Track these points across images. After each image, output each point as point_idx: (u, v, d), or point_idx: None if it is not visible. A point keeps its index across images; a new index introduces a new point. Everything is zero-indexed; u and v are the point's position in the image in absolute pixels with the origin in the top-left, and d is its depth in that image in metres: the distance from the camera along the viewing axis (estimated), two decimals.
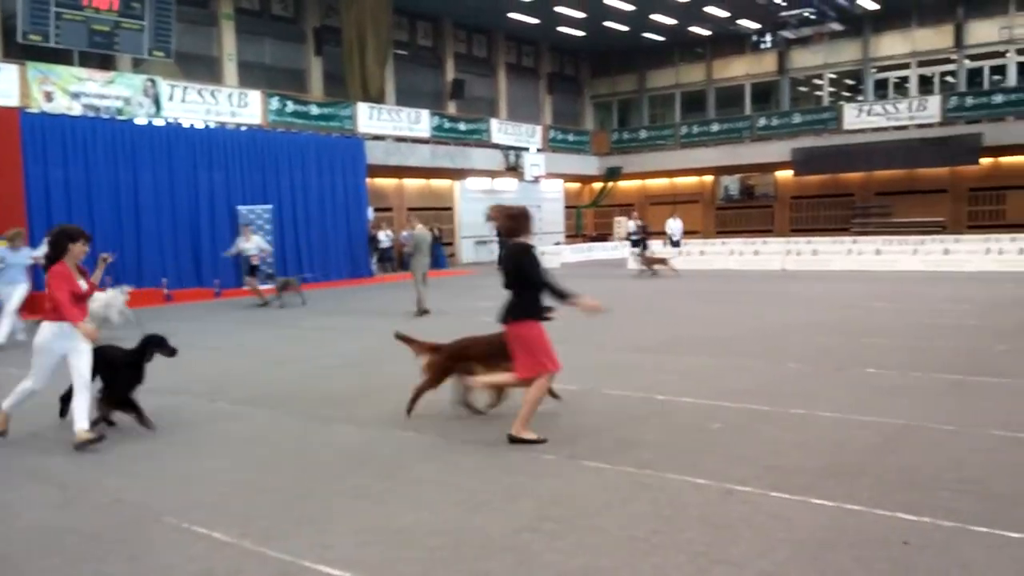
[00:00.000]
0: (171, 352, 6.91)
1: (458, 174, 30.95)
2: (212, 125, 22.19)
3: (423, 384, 6.79)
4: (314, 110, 25.53)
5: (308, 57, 28.54)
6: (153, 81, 21.14)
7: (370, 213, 26.54)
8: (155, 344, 6.83)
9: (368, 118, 26.82)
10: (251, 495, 5.04)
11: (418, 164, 28.42)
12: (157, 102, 21.08)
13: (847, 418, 6.35)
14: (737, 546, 4.01)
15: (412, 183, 30.60)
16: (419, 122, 28.71)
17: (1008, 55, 31.16)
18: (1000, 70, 31.61)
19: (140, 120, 20.51)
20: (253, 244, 17.99)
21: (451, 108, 32.69)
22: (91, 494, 5.16)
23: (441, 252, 30.09)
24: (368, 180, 25.91)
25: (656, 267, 22.12)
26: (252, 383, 8.78)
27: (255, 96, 23.74)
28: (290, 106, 24.76)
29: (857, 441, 5.72)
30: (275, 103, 24.25)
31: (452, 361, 6.77)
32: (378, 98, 27.83)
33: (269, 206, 22.29)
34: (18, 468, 5.78)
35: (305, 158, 23.63)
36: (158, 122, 20.86)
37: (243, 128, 22.97)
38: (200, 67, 24.92)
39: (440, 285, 18.59)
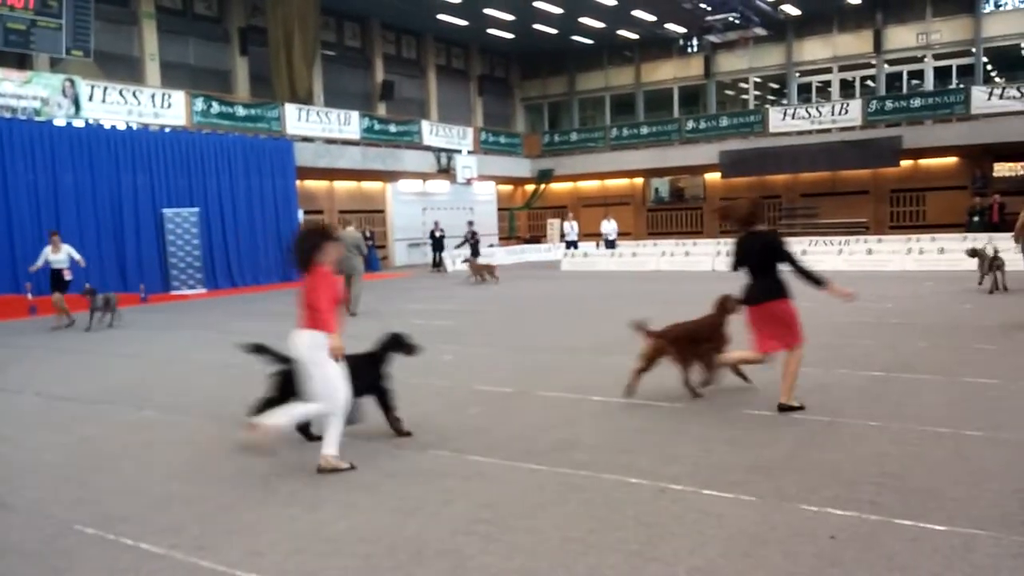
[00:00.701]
0: (412, 350, 6.48)
1: (390, 176, 30.70)
2: (135, 126, 21.54)
3: (640, 366, 7.21)
4: (240, 111, 25.01)
5: (233, 57, 27.93)
6: (72, 81, 20.39)
7: (300, 216, 26.13)
8: (396, 344, 6.39)
9: (296, 119, 26.39)
10: (179, 505, 4.89)
11: (349, 166, 28.10)
12: (76, 102, 20.35)
13: (775, 415, 6.50)
14: (670, 544, 4.06)
15: (343, 185, 30.24)
16: (349, 124, 28.39)
17: (925, 60, 32.44)
18: (918, 74, 32.87)
19: (59, 121, 19.79)
20: (63, 255, 15.22)
21: (381, 110, 32.42)
22: (13, 509, 4.94)
23: (374, 255, 29.84)
24: (298, 182, 25.52)
25: (484, 275, 21.47)
26: (179, 390, 8.54)
27: (179, 97, 23.13)
28: (215, 107, 24.19)
29: (784, 438, 5.86)
30: (200, 104, 23.66)
31: (672, 345, 7.13)
32: (306, 99, 27.40)
33: (196, 209, 21.76)
34: None
35: (232, 160, 23.15)
36: (78, 123, 20.16)
37: (167, 129, 22.36)
38: (121, 67, 24.14)
39: (373, 288, 18.39)
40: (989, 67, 31.93)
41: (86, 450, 6.29)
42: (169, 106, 22.73)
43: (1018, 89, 28.23)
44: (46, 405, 8.03)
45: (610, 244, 30.02)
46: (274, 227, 24.14)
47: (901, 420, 6.19)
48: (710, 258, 24.24)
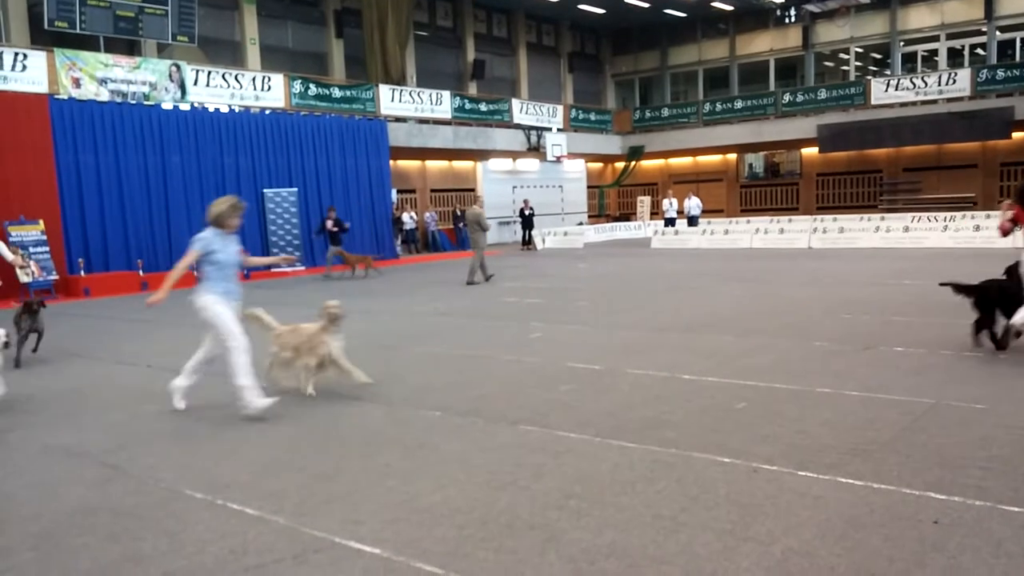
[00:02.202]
0: None
1: (480, 155, 30.91)
2: (237, 109, 22.33)
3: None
4: (336, 93, 25.60)
5: (329, 40, 28.56)
6: (178, 66, 21.29)
7: (394, 195, 26.65)
8: None
9: (390, 100, 26.84)
10: (281, 474, 5.11)
11: (440, 145, 28.44)
12: (183, 87, 21.24)
13: (874, 397, 6.30)
14: (764, 524, 4.01)
15: (435, 165, 30.63)
16: (440, 103, 28.69)
17: None
18: None
19: (167, 105, 20.70)
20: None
21: (472, 89, 32.61)
22: (126, 472, 5.27)
23: (466, 233, 30.18)
24: (391, 162, 25.99)
25: (359, 267, 19.54)
26: None
27: (278, 80, 23.84)
28: (312, 89, 24.83)
29: (884, 420, 5.68)
30: (297, 86, 24.33)
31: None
32: (399, 80, 27.82)
33: (294, 189, 22.46)
34: (54, 447, 5.91)
35: (328, 141, 23.76)
36: (184, 107, 21.03)
37: (267, 112, 23.09)
38: (223, 51, 25.04)
39: (464, 266, 18.59)
40: None
41: (192, 419, 6.62)
42: (269, 89, 23.47)
43: None
44: (156, 376, 8.47)
45: (692, 221, 29.66)
46: (368, 206, 24.70)
47: (1009, 402, 5.92)
48: (806, 235, 23.53)
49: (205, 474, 5.16)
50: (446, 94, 29.10)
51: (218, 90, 22.19)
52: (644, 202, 36.29)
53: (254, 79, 23.38)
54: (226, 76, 22.54)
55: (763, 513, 4.14)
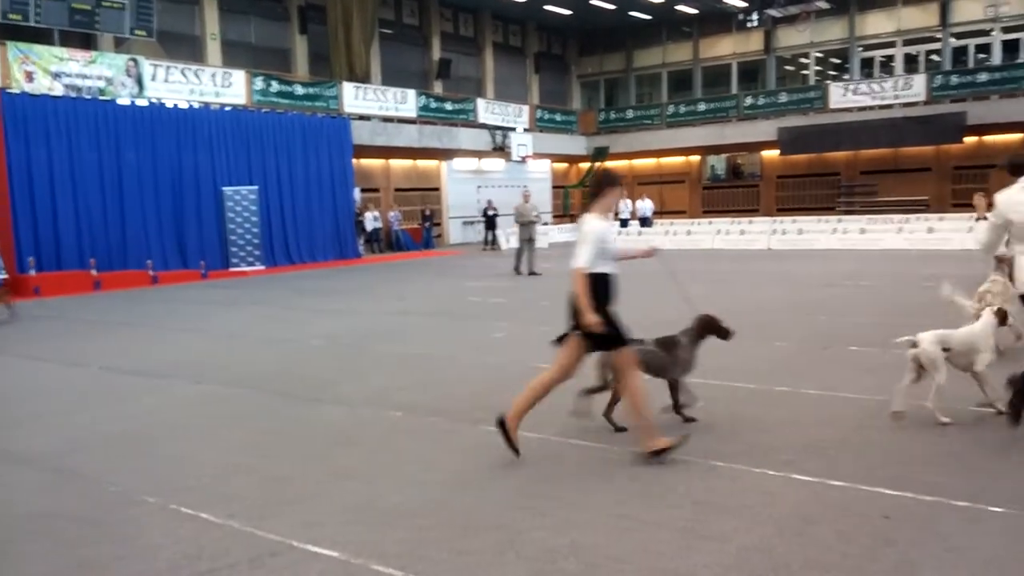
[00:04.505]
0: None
1: (445, 154, 30.83)
2: (196, 105, 22.00)
3: None
4: (299, 90, 25.34)
5: (293, 36, 28.26)
6: (135, 61, 20.90)
7: (357, 194, 26.46)
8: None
9: (354, 98, 26.63)
10: (238, 477, 5.05)
11: (405, 144, 28.29)
12: (140, 82, 20.86)
13: (831, 395, 6.41)
14: (721, 522, 4.05)
15: (399, 163, 30.47)
16: (405, 102, 28.55)
17: (993, 33, 31.21)
18: (985, 48, 31.67)
19: (123, 100, 20.32)
20: None
21: (438, 88, 32.50)
22: (78, 478, 5.16)
23: (429, 233, 30.10)
24: (354, 160, 25.80)
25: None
26: (237, 364, 8.77)
27: (239, 76, 23.53)
28: (275, 86, 24.55)
29: (840, 418, 5.77)
30: (259, 83, 24.04)
31: None
32: (364, 78, 27.63)
33: (254, 187, 22.18)
34: (3, 455, 5.76)
35: (290, 138, 23.52)
36: (141, 102, 20.67)
37: (227, 108, 22.79)
38: (183, 46, 24.64)
39: (429, 265, 18.56)
40: None
41: (148, 422, 6.51)
42: (230, 85, 23.15)
43: None
44: (110, 378, 8.32)
45: (645, 222, 30.22)
46: (331, 205, 24.50)
47: (961, 400, 6.05)
48: (766, 236, 23.84)
49: (159, 478, 5.07)
50: (411, 92, 28.97)
51: (177, 86, 21.84)
52: None
53: (214, 75, 23.05)
54: (185, 72, 22.19)
55: (720, 511, 4.19)
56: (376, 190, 29.55)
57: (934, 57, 32.62)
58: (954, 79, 30.10)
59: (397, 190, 30.44)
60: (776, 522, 4.02)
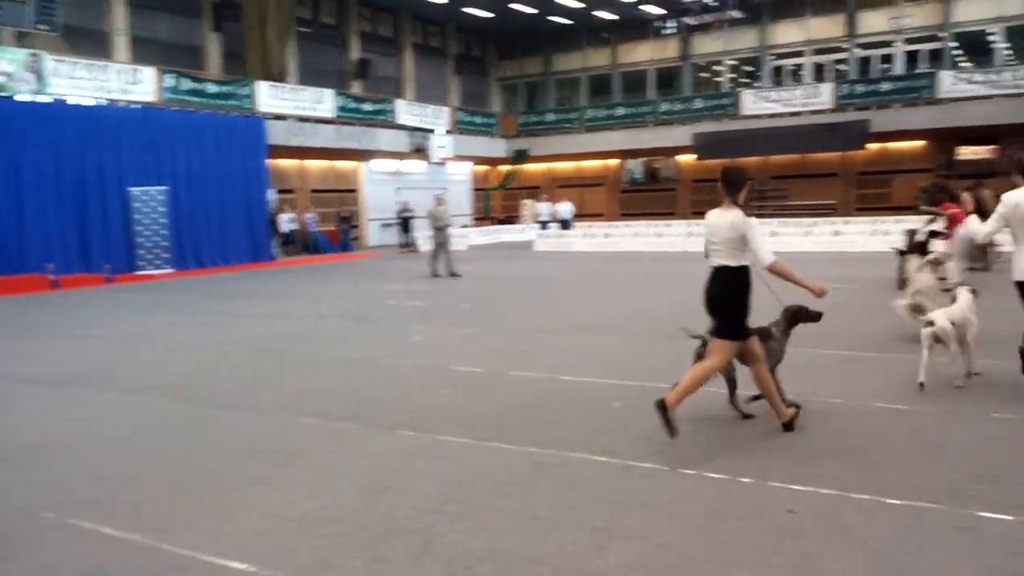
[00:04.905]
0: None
1: (363, 155, 30.49)
2: (102, 102, 21.17)
3: None
4: (211, 88, 24.66)
5: (206, 33, 27.50)
6: (37, 55, 19.97)
7: (271, 195, 25.89)
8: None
9: (269, 97, 26.08)
10: (142, 488, 4.86)
11: (322, 145, 27.84)
12: (41, 77, 19.94)
13: (740, 394, 6.56)
14: (633, 521, 4.11)
15: (316, 164, 29.98)
16: (323, 102, 28.11)
17: (896, 45, 32.70)
18: (888, 59, 33.15)
19: (23, 96, 19.40)
20: None
21: (356, 88, 32.12)
22: None
23: (347, 235, 29.70)
24: (269, 161, 25.23)
25: None
26: (144, 372, 8.46)
27: (148, 73, 22.75)
28: (186, 83, 23.83)
29: (751, 418, 5.93)
30: (170, 80, 23.30)
31: None
32: (280, 77, 27.08)
33: (164, 188, 21.44)
34: None
35: (202, 138, 22.83)
36: (43, 99, 19.77)
37: (136, 106, 22.00)
38: (89, 42, 23.68)
39: (347, 268, 18.32)
40: (957, 52, 32.25)
41: (47, 433, 6.22)
42: (138, 82, 22.36)
43: (984, 74, 28.64)
44: (6, 387, 7.92)
45: (565, 224, 30.69)
46: (244, 206, 23.88)
47: (862, 397, 6.30)
48: (682, 239, 24.37)
49: (58, 492, 4.84)
50: (329, 92, 28.53)
51: (82, 82, 20.96)
52: (528, 205, 36.71)
53: (122, 71, 22.21)
54: (91, 68, 21.31)
55: (633, 510, 4.25)
56: (292, 191, 29.01)
57: (841, 67, 33.97)
58: (859, 88, 31.42)
59: (314, 191, 29.95)
60: (686, 519, 4.10)
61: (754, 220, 5.35)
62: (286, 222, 27.44)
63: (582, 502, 4.38)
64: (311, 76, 29.93)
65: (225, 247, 23.27)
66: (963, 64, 31.98)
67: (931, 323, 6.46)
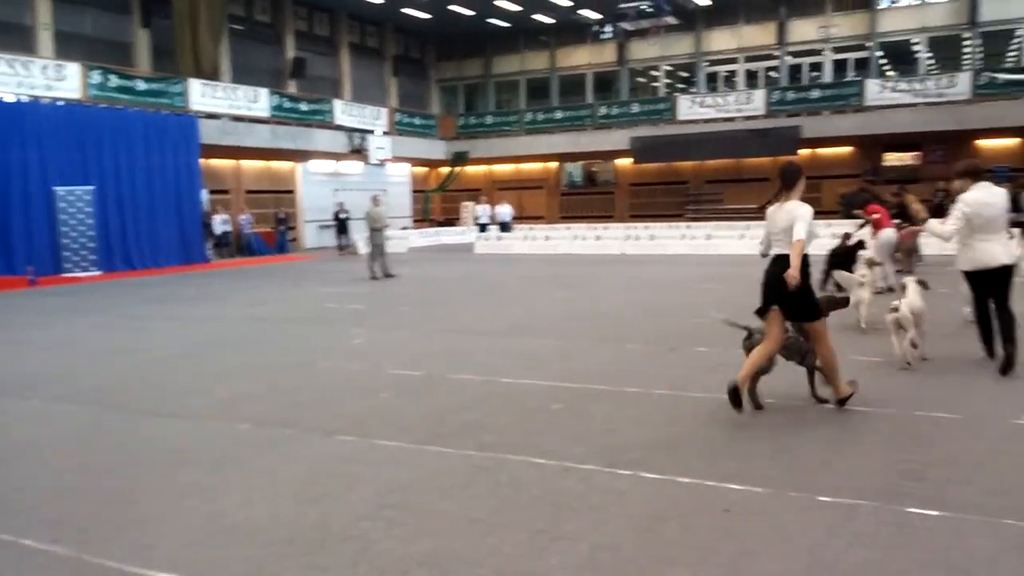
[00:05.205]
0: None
1: (300, 156, 30.03)
2: (24, 99, 20.39)
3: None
4: (141, 85, 23.97)
5: (135, 29, 26.72)
6: None
7: (204, 196, 25.30)
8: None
9: (201, 95, 25.47)
10: (65, 499, 4.67)
11: (257, 145, 27.31)
12: None
13: (677, 395, 6.66)
14: (573, 522, 4.11)
15: (251, 164, 29.41)
16: (258, 101, 27.59)
17: (825, 53, 33.65)
18: (818, 67, 34.09)
19: None
20: None
21: (292, 87, 31.62)
22: None
23: (283, 237, 29.22)
24: (202, 161, 24.66)
25: None
26: (70, 378, 8.15)
27: (74, 68, 22.00)
28: (114, 80, 23.12)
29: (686, 416, 6.01)
30: (96, 77, 22.57)
31: None
32: (212, 75, 26.47)
33: (90, 187, 20.76)
34: None
35: (131, 136, 22.19)
36: None
37: (60, 103, 21.25)
38: (10, 36, 22.77)
39: (285, 270, 18.00)
40: (883, 61, 33.36)
41: None
42: (63, 78, 21.61)
43: (908, 82, 29.69)
44: None
45: (504, 227, 30.77)
46: (176, 207, 23.29)
47: (798, 398, 6.43)
48: (619, 242, 24.62)
49: None
50: (264, 91, 28.01)
51: (3, 77, 20.15)
52: (468, 207, 36.64)
53: (46, 67, 21.44)
54: (12, 63, 20.51)
55: (573, 511, 4.25)
56: (227, 192, 28.40)
57: (772, 74, 34.80)
58: (790, 95, 32.23)
59: (249, 192, 29.37)
60: (626, 520, 4.12)
61: (807, 207, 5.86)
62: (220, 223, 26.83)
63: (522, 504, 4.37)
64: (245, 75, 29.34)
65: (156, 248, 22.65)
66: (889, 73, 33.11)
67: (895, 310, 7.13)
